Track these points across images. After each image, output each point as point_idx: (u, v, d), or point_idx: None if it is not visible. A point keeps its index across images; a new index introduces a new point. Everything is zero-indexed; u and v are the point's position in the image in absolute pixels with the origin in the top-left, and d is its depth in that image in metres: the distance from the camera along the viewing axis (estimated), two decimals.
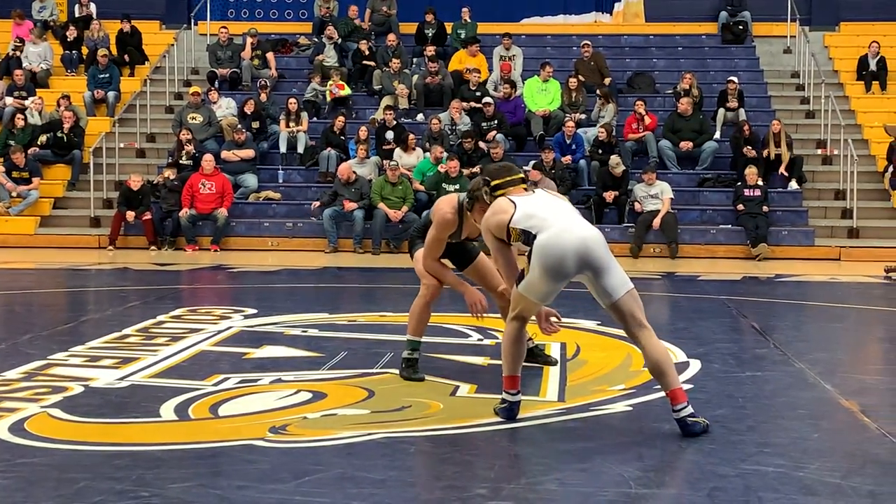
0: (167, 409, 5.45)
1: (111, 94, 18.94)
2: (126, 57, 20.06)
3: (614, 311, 5.11)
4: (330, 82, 18.36)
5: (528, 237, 5.12)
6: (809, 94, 18.87)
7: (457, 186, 15.44)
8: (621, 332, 7.53)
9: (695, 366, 6.72)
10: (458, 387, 6.06)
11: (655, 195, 15.48)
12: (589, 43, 19.16)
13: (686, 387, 6.07)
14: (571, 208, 5.32)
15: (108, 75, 19.14)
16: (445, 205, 6.04)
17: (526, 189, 5.45)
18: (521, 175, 5.50)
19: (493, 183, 5.44)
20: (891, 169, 16.37)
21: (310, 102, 18.31)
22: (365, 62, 19.11)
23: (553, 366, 6.63)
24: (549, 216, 5.13)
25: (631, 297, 5.09)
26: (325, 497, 4.05)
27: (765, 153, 16.32)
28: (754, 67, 20.05)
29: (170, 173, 16.23)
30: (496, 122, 17.12)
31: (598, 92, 17.79)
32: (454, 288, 6.21)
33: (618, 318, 5.15)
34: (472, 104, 17.57)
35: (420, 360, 6.32)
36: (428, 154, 16.53)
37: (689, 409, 5.02)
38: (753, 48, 20.51)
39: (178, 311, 9.03)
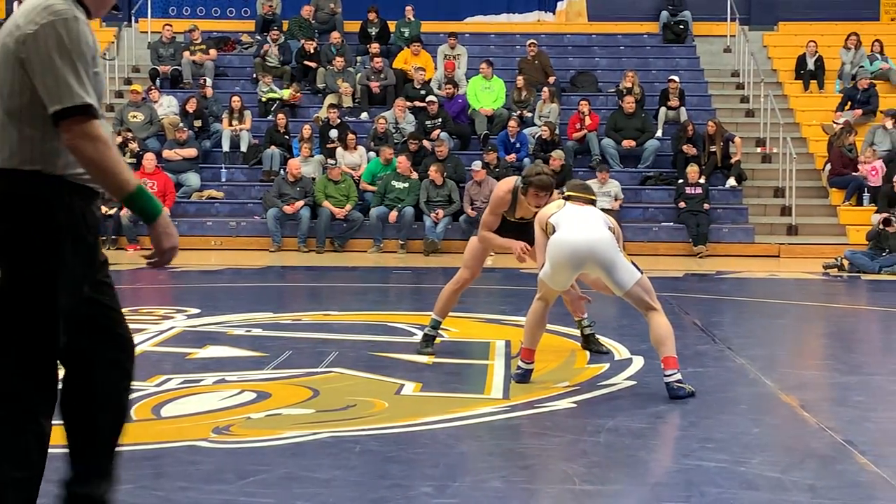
0: None
1: None
2: None
3: (627, 299, 5.94)
4: (289, 91, 18.16)
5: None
6: (749, 92, 19.07)
7: (406, 185, 15.44)
8: (565, 330, 7.66)
9: (638, 362, 6.78)
10: (402, 385, 6.06)
11: (607, 193, 15.53)
12: (535, 42, 19.22)
13: (629, 383, 6.16)
14: (595, 216, 6.04)
15: None
16: (502, 185, 6.88)
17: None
18: (593, 197, 6.31)
19: (566, 192, 6.27)
20: (828, 167, 16.59)
21: (263, 103, 18.13)
22: (308, 62, 19.00)
23: (606, 354, 7.09)
24: (571, 219, 5.96)
25: (639, 287, 5.89)
26: (270, 497, 4.03)
27: (706, 151, 16.48)
28: (695, 66, 20.24)
29: None
30: (440, 120, 17.12)
31: (543, 90, 17.82)
32: (503, 248, 6.89)
33: (632, 304, 5.99)
34: (417, 103, 17.55)
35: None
36: (373, 154, 16.48)
37: (678, 376, 5.73)
38: (694, 47, 20.70)
39: None
